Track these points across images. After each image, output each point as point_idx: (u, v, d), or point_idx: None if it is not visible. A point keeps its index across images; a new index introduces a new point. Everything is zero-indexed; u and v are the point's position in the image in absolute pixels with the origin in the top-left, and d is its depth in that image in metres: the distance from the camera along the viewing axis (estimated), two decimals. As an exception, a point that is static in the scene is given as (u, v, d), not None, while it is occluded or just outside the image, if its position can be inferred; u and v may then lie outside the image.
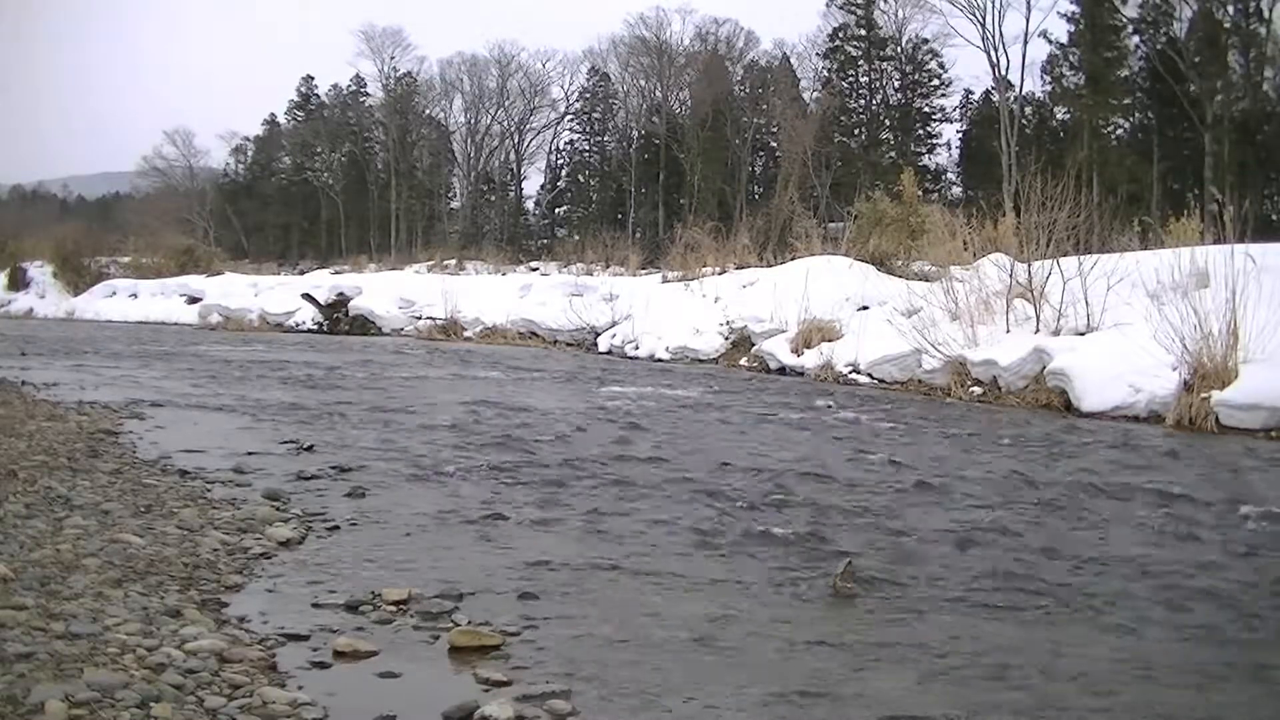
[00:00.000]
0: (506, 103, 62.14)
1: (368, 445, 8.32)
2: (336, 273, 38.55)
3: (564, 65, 61.95)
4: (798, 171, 44.63)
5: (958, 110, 52.05)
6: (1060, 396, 11.77)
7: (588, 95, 61.21)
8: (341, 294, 28.54)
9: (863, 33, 50.66)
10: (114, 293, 37.34)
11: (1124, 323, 12.16)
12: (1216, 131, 37.63)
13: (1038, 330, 13.42)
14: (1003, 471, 7.59)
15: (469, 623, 4.08)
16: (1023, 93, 45.00)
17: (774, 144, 53.24)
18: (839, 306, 16.88)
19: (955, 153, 52.53)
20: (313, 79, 68.56)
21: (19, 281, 41.71)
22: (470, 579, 4.69)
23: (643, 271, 30.76)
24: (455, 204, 66.21)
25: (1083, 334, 12.83)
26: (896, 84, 51.40)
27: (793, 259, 21.44)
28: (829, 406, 11.63)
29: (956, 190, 47.54)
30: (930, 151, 51.36)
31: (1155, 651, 4.01)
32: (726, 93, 53.92)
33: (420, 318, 26.64)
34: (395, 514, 5.90)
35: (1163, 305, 11.27)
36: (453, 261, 43.83)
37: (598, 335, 21.76)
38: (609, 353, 20.51)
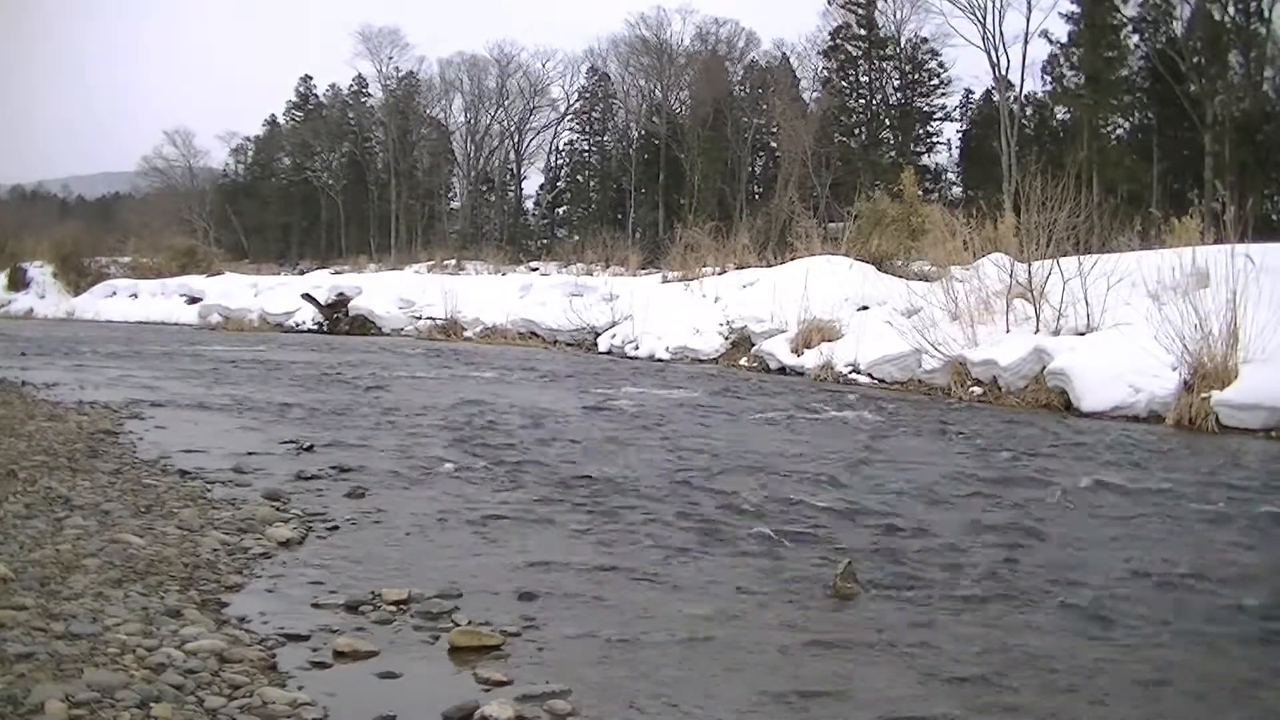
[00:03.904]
0: (506, 103, 62.36)
1: (368, 445, 8.32)
2: (336, 273, 38.57)
3: (564, 65, 62.35)
4: (798, 171, 44.66)
5: (958, 110, 52.22)
6: (1060, 396, 11.77)
7: (588, 95, 61.27)
8: (341, 294, 28.55)
9: (863, 32, 50.66)
10: (114, 293, 37.35)
11: (1124, 323, 12.16)
12: (1216, 131, 37.62)
13: (1038, 330, 13.42)
14: (1002, 471, 7.59)
15: (469, 623, 4.08)
16: (1023, 93, 45.11)
17: (774, 144, 53.25)
18: (839, 306, 16.88)
19: (955, 152, 52.66)
20: (311, 79, 68.86)
21: (19, 281, 41.69)
22: (470, 579, 4.69)
23: (643, 271, 30.77)
24: (455, 204, 66.31)
25: (1083, 334, 12.83)
26: (896, 83, 51.44)
27: (793, 259, 21.42)
28: (828, 407, 11.62)
29: (956, 190, 47.61)
30: (930, 151, 51.51)
31: (1155, 652, 4.01)
32: (726, 93, 53.95)
33: (420, 318, 26.64)
34: (395, 514, 5.90)
35: (1163, 305, 11.28)
36: (452, 261, 43.85)
37: (598, 335, 21.76)
38: (609, 353, 20.50)
